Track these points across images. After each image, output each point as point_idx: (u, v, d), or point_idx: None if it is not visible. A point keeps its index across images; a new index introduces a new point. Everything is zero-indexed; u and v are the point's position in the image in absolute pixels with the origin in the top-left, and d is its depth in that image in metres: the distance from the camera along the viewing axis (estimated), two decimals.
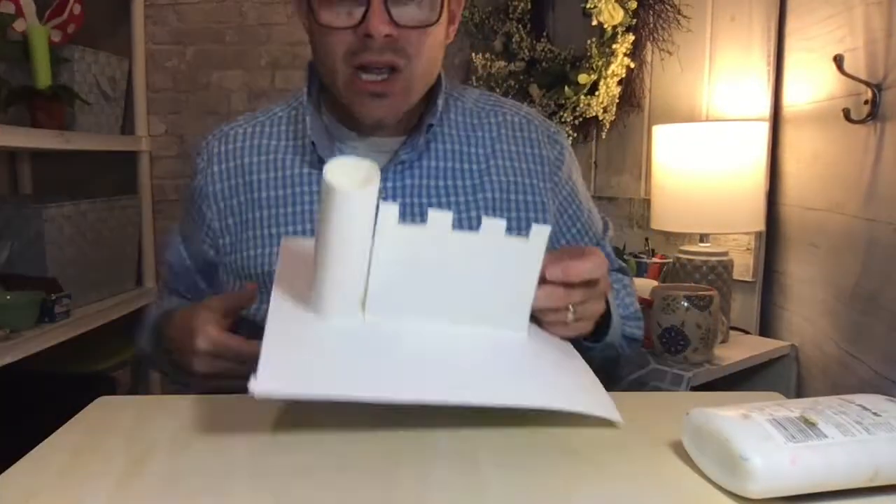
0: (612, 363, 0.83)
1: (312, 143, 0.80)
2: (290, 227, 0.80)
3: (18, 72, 1.73)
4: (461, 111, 0.85)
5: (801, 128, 1.38)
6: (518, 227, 0.81)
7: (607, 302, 0.73)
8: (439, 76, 0.82)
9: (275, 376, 0.49)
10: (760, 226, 1.41)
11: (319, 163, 0.79)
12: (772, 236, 1.48)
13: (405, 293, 0.58)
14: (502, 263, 0.58)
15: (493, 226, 0.57)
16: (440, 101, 0.82)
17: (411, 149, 0.80)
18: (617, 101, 1.65)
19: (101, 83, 1.97)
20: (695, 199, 1.36)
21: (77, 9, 1.87)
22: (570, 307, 0.63)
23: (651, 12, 1.59)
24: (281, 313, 0.57)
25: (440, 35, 0.77)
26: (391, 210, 0.56)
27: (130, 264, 2.09)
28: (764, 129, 1.40)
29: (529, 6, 1.85)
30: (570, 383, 0.60)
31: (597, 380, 0.62)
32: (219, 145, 0.85)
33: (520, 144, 0.85)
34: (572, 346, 0.67)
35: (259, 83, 2.19)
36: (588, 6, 1.61)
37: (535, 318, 0.64)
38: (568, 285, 0.62)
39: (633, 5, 1.59)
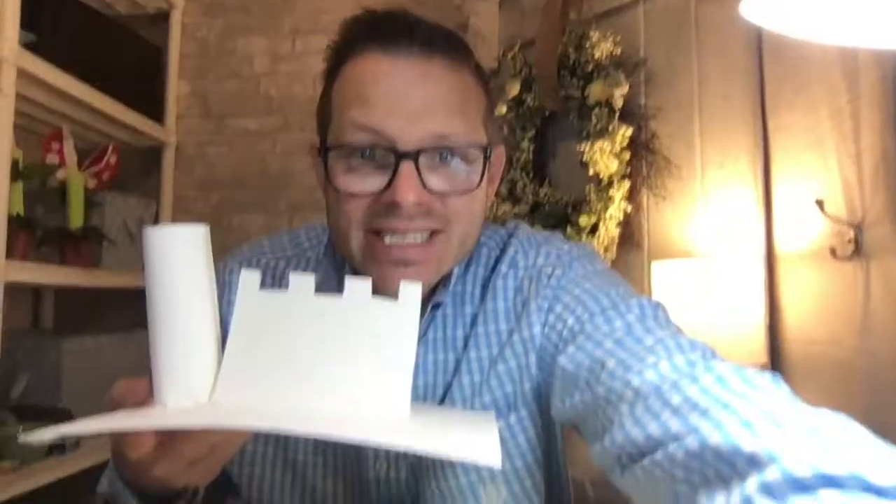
0: None
1: None
2: None
3: (54, 214, 1.85)
4: (483, 262, 0.73)
5: (794, 265, 1.45)
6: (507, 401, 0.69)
7: None
8: None
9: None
10: (762, 358, 1.44)
11: None
12: (776, 370, 1.49)
13: (263, 370, 0.50)
14: (372, 330, 0.51)
15: (359, 286, 0.51)
16: (455, 271, 0.70)
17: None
18: (617, 240, 1.75)
19: (129, 224, 2.08)
20: (696, 332, 1.39)
21: (114, 159, 2.03)
22: None
23: (644, 162, 1.73)
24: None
25: (481, 200, 0.66)
26: (253, 276, 0.52)
27: None
28: (759, 267, 1.47)
29: (532, 157, 2.01)
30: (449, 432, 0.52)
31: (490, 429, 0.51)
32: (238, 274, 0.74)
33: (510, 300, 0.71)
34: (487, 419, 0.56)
35: (277, 226, 2.30)
36: (585, 157, 1.75)
37: None
38: None
39: (627, 156, 1.72)
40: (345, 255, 0.68)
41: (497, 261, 0.73)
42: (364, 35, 0.64)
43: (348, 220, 0.63)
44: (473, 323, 0.70)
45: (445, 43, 0.64)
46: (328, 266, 0.74)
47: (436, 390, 0.70)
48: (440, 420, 0.55)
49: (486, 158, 0.65)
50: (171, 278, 0.49)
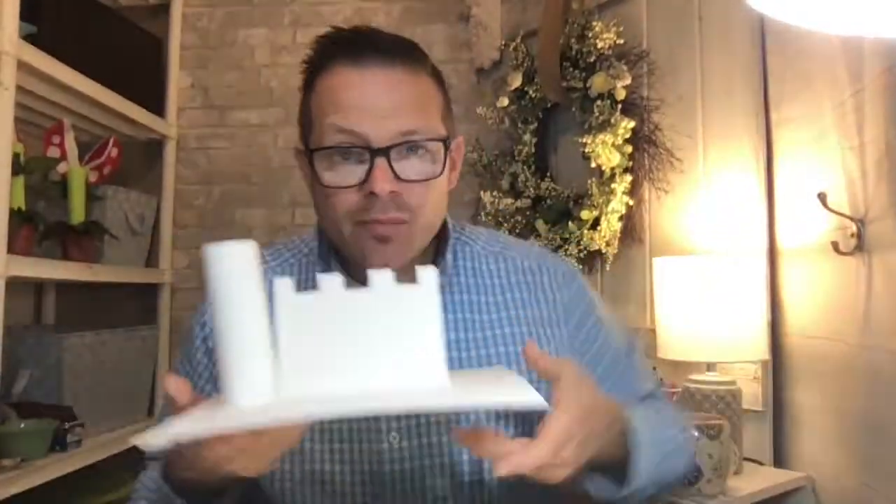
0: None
1: None
2: None
3: (55, 208, 1.85)
4: (469, 256, 0.84)
5: (796, 260, 1.44)
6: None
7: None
8: (445, 224, 0.82)
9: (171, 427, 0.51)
10: (764, 355, 1.43)
11: None
12: (779, 365, 1.49)
13: (315, 365, 0.56)
14: (401, 314, 0.57)
15: (382, 277, 0.57)
16: (449, 256, 0.81)
17: None
18: (619, 235, 1.73)
19: (131, 219, 2.08)
20: (698, 329, 1.39)
21: (115, 152, 2.03)
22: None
23: (646, 155, 1.71)
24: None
25: (443, 185, 0.77)
26: (286, 282, 0.56)
27: (144, 394, 2.10)
28: (761, 262, 1.46)
29: (533, 150, 1.99)
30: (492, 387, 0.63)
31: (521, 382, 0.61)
32: None
33: (532, 291, 0.82)
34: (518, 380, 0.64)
35: (279, 220, 2.31)
36: (587, 150, 1.74)
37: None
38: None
39: (629, 149, 1.71)
40: (336, 240, 0.78)
41: (477, 256, 0.84)
42: (334, 51, 0.74)
43: (337, 213, 0.74)
44: (478, 311, 0.80)
45: (404, 52, 0.75)
46: (317, 261, 0.82)
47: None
48: (476, 381, 0.65)
49: (447, 149, 0.75)
50: (234, 289, 0.55)
